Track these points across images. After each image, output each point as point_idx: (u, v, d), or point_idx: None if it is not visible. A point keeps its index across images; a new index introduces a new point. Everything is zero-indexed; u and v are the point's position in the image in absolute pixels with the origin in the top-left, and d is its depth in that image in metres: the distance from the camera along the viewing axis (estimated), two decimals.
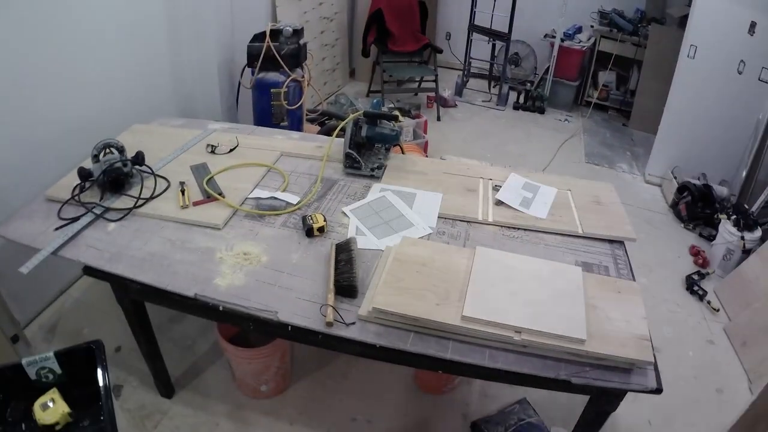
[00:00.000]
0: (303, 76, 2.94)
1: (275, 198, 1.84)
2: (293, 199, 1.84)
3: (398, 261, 1.49)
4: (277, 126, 2.84)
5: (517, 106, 4.90)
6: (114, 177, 1.77)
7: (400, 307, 1.34)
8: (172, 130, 2.29)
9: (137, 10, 2.49)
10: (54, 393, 1.46)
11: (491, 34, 4.79)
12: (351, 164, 2.00)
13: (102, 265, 1.54)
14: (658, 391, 1.25)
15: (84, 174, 1.80)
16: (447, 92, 4.82)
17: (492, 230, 1.75)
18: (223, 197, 1.79)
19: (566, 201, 1.91)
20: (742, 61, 3.15)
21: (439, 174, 2.03)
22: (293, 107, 2.91)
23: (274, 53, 2.76)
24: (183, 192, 1.79)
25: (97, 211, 1.71)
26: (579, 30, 4.81)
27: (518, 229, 1.76)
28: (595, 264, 1.61)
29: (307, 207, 1.82)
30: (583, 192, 1.97)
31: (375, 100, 4.23)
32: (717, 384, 2.24)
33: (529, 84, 5.13)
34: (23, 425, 1.46)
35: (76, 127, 2.25)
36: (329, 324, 1.34)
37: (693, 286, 2.76)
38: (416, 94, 4.91)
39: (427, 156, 3.46)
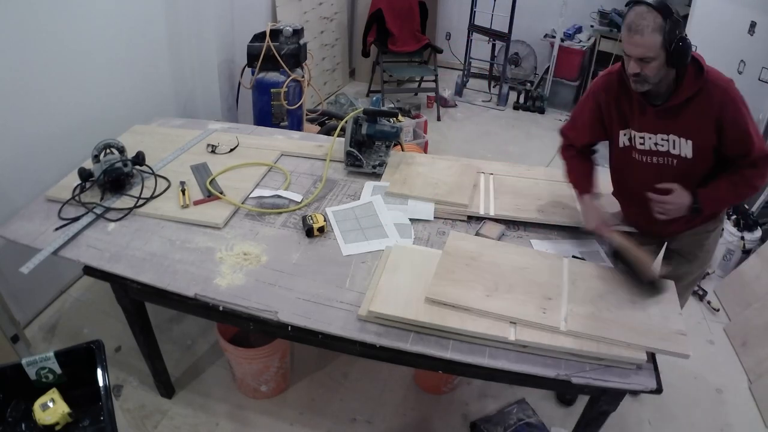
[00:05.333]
0: (303, 76, 2.94)
1: (279, 196, 1.85)
2: (296, 197, 1.84)
3: (448, 254, 1.53)
4: (277, 126, 2.84)
5: (517, 106, 4.90)
6: (114, 177, 1.77)
7: (453, 297, 1.38)
8: (173, 131, 2.30)
9: (138, 11, 2.49)
10: (54, 393, 1.46)
11: (491, 34, 4.79)
12: (352, 162, 2.00)
13: (102, 265, 1.54)
14: (658, 391, 1.25)
15: (84, 174, 1.80)
16: (447, 92, 4.81)
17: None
18: (224, 196, 1.79)
19: (569, 194, 1.90)
20: (742, 61, 3.15)
21: (440, 169, 2.03)
22: (293, 107, 2.91)
23: (274, 53, 2.76)
24: (183, 192, 1.79)
25: (98, 211, 1.71)
26: (579, 30, 4.81)
27: (520, 222, 1.77)
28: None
29: (307, 207, 1.82)
30: None
31: (375, 98, 4.24)
32: (717, 384, 2.24)
33: (529, 84, 5.12)
34: (23, 425, 1.46)
35: (76, 128, 2.25)
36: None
37: None
38: (416, 94, 4.91)
39: None
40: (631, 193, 1.67)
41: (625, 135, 1.58)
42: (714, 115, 1.41)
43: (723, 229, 1.71)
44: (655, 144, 1.52)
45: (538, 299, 1.39)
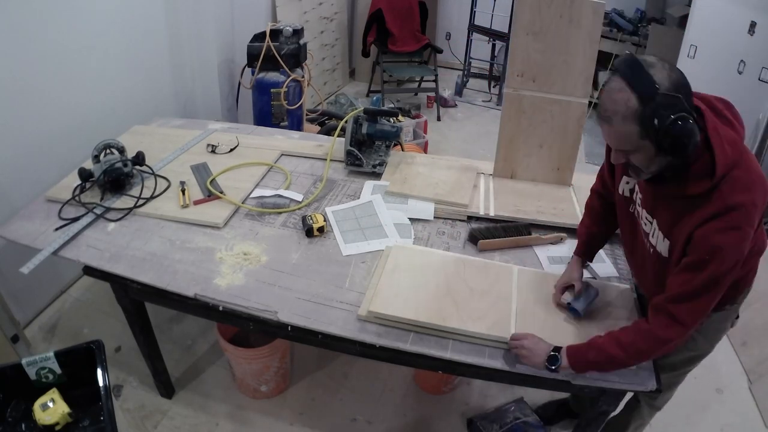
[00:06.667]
0: (303, 76, 2.94)
1: (279, 196, 1.85)
2: (297, 196, 1.84)
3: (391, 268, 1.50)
4: (277, 126, 2.85)
5: None
6: (114, 177, 1.77)
7: (397, 311, 1.34)
8: (172, 131, 2.30)
9: (137, 11, 2.49)
10: (54, 393, 1.46)
11: (491, 34, 4.79)
12: (353, 162, 2.00)
13: (102, 265, 1.54)
14: (658, 391, 1.25)
15: (85, 174, 1.81)
16: (447, 92, 4.81)
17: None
18: (225, 195, 1.79)
19: (568, 195, 1.91)
20: (742, 61, 3.15)
21: (440, 169, 2.03)
22: (293, 107, 2.91)
23: (274, 53, 2.76)
24: (183, 191, 1.79)
25: (98, 211, 1.71)
26: None
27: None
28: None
29: (307, 207, 1.82)
30: (585, 187, 1.97)
31: (375, 98, 4.24)
32: (717, 384, 2.24)
33: None
34: (23, 425, 1.46)
35: (76, 128, 2.25)
36: None
37: None
38: (416, 94, 4.91)
39: None
40: (632, 252, 1.38)
41: (628, 184, 1.29)
42: (693, 225, 1.06)
43: (737, 317, 1.43)
44: (645, 219, 1.24)
45: (485, 310, 1.37)
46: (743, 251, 1.04)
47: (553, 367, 1.21)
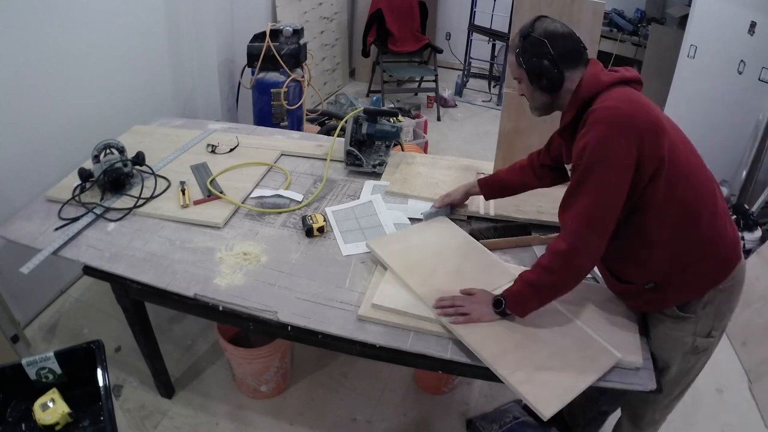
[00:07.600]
0: (303, 76, 2.94)
1: (279, 196, 1.85)
2: (297, 196, 1.84)
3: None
4: (277, 126, 2.85)
5: None
6: (114, 177, 1.77)
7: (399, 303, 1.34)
8: (172, 131, 2.30)
9: (137, 11, 2.50)
10: (54, 393, 1.46)
11: (491, 34, 4.79)
12: (353, 161, 2.00)
13: (102, 265, 1.54)
14: (658, 391, 1.25)
15: (84, 174, 1.81)
16: (447, 92, 4.81)
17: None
18: (225, 195, 1.79)
19: None
20: (742, 61, 3.15)
21: (440, 169, 2.03)
22: (293, 107, 2.91)
23: (274, 53, 2.76)
24: (183, 191, 1.79)
25: (98, 211, 1.71)
26: None
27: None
28: None
29: (307, 207, 1.82)
30: None
31: (375, 98, 4.24)
32: (717, 384, 2.24)
33: None
34: (23, 425, 1.46)
35: (76, 128, 2.25)
36: None
37: None
38: (416, 94, 4.91)
39: None
40: None
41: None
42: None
43: (705, 339, 1.33)
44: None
45: None
46: (609, 147, 1.11)
47: (499, 310, 1.30)
